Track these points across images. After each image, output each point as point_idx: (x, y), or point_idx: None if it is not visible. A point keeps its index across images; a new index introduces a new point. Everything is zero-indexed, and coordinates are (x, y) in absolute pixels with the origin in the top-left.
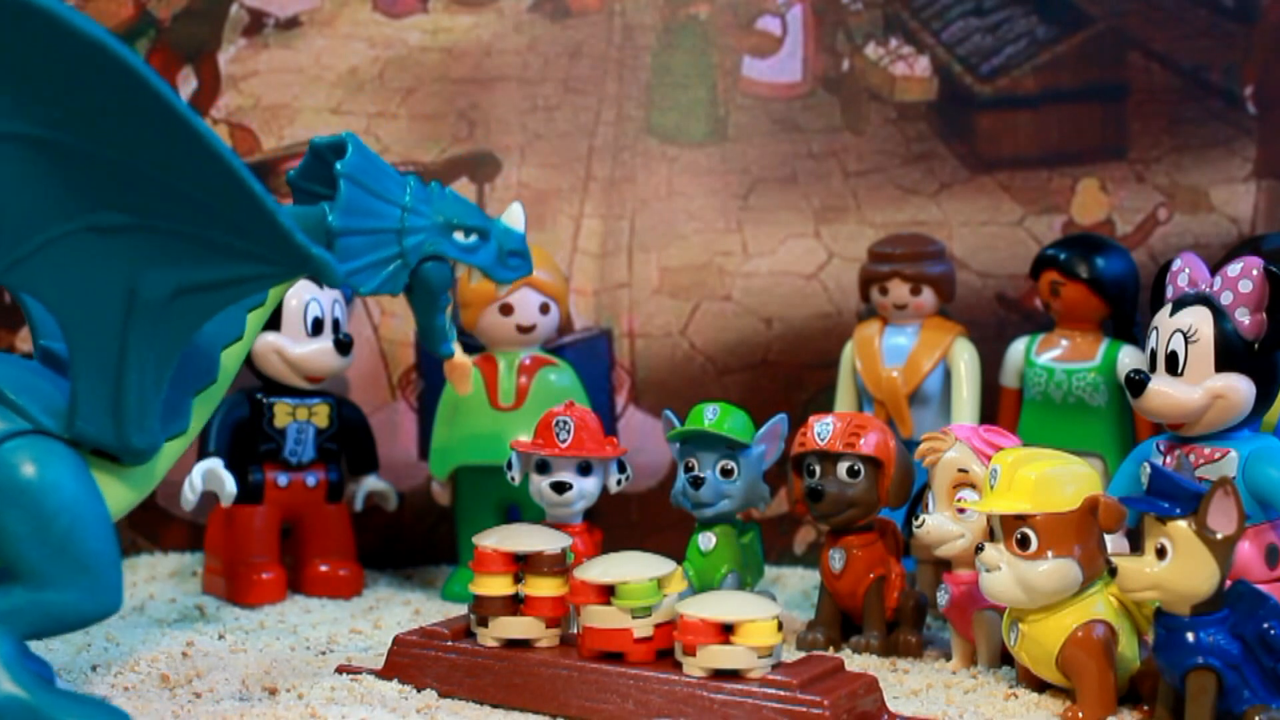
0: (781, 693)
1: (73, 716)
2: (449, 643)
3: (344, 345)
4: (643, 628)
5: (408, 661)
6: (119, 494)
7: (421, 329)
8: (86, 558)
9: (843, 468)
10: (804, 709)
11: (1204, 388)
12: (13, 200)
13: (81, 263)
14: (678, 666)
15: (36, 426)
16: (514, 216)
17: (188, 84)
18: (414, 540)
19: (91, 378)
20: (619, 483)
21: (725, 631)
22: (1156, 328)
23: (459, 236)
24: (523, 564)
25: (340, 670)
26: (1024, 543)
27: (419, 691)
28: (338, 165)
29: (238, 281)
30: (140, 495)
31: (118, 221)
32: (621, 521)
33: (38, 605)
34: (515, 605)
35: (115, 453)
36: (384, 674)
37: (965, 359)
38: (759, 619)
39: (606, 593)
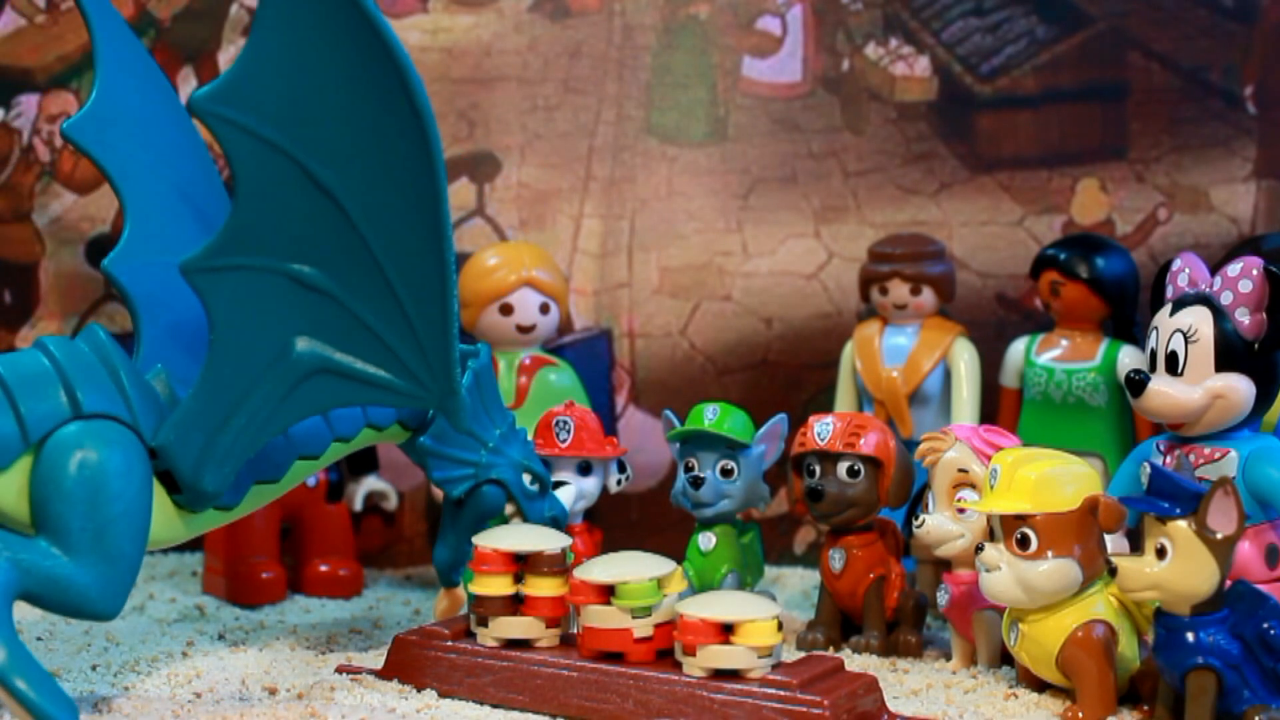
0: (781, 693)
1: (29, 681)
2: (449, 643)
3: None
4: (643, 628)
5: (408, 661)
6: (160, 525)
7: (446, 544)
8: (117, 553)
9: (843, 468)
10: (804, 709)
11: (1204, 388)
12: (251, 214)
13: (262, 301)
14: (678, 666)
15: (133, 422)
16: (565, 495)
17: (187, 84)
18: (414, 540)
19: (206, 404)
20: (619, 483)
21: (725, 631)
22: (1156, 328)
23: (526, 479)
24: (523, 564)
25: (340, 670)
26: (1024, 543)
27: (419, 691)
28: (471, 362)
29: (377, 386)
30: (173, 538)
31: (316, 281)
32: (621, 521)
33: (55, 570)
34: (515, 605)
35: (181, 481)
36: (384, 674)
37: (965, 359)
38: (759, 619)
39: (606, 593)
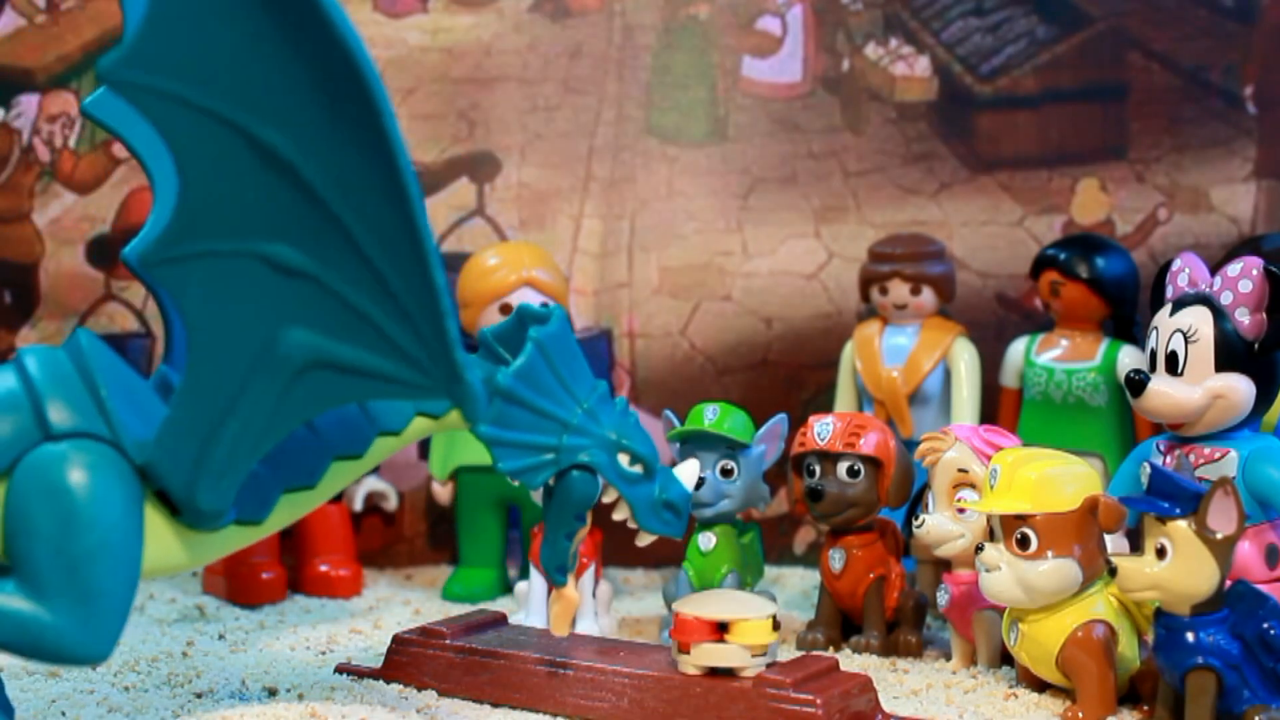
0: (775, 691)
1: None
2: (449, 642)
3: None
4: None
5: (407, 661)
6: (162, 550)
7: (545, 543)
8: (93, 590)
9: (843, 468)
10: (797, 708)
11: (1204, 388)
12: (200, 191)
13: (236, 290)
14: (673, 665)
15: (113, 439)
16: (686, 473)
17: None
18: (414, 540)
19: (191, 411)
20: None
21: (720, 630)
22: (1156, 328)
23: (623, 461)
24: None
25: (340, 670)
26: (1024, 543)
27: (419, 691)
28: (533, 330)
29: (377, 377)
30: (183, 563)
31: (291, 261)
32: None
33: (21, 614)
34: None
35: (177, 502)
36: (384, 674)
37: (965, 359)
38: (753, 618)
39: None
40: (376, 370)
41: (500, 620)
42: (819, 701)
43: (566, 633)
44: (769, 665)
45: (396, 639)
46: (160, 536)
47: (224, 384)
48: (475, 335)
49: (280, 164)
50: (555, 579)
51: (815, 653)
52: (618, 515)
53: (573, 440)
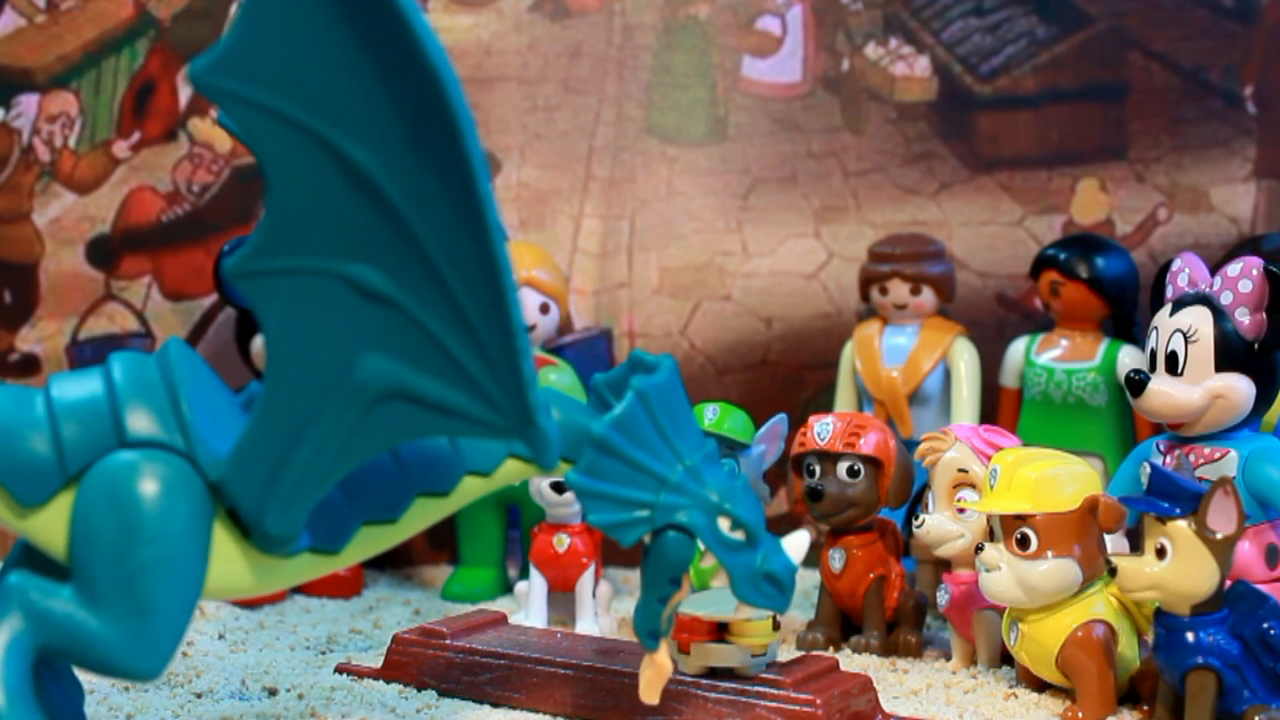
0: (775, 691)
1: None
2: (449, 642)
3: None
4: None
5: (407, 661)
6: (229, 570)
7: (638, 603)
8: (148, 604)
9: (843, 468)
10: (797, 708)
11: (1204, 388)
12: (287, 206)
13: (317, 311)
14: (673, 665)
15: (188, 452)
16: (796, 545)
17: (188, 85)
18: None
19: (265, 431)
20: None
21: (720, 630)
22: (1156, 328)
23: (723, 525)
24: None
25: (340, 670)
26: (1024, 543)
27: (419, 691)
28: (636, 379)
29: (452, 412)
30: (250, 588)
31: (374, 285)
32: None
33: (73, 622)
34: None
35: (246, 523)
36: (384, 674)
37: (965, 359)
38: (753, 618)
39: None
40: (452, 405)
41: (500, 620)
42: (819, 701)
43: (655, 701)
44: (769, 665)
45: (396, 639)
46: (229, 557)
47: (300, 406)
48: None
49: (366, 184)
50: (647, 644)
51: (815, 653)
52: (715, 582)
53: (670, 498)
